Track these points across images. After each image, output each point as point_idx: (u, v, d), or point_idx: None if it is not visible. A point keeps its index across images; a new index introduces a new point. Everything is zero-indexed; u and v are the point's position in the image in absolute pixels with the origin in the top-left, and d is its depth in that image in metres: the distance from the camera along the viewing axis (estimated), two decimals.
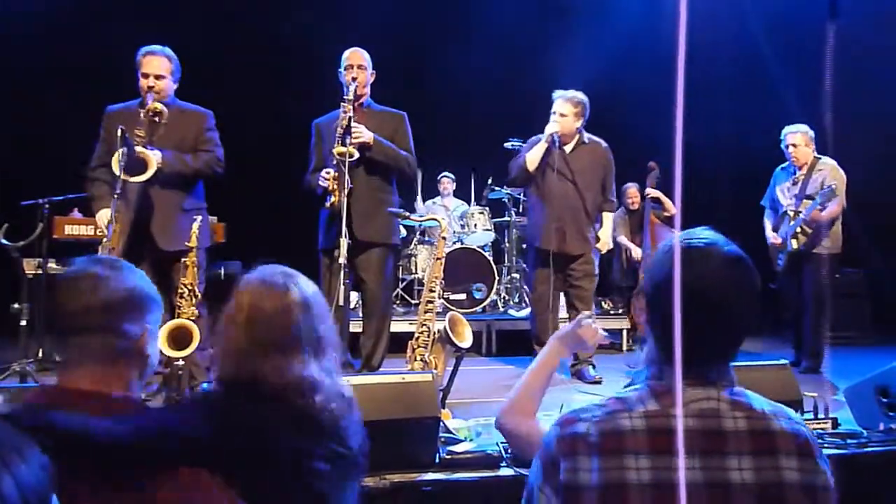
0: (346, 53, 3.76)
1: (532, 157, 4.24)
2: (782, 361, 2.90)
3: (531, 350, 5.72)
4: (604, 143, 4.40)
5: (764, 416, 1.13)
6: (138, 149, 3.31)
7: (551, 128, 4.21)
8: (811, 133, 4.52)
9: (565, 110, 4.25)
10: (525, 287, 6.51)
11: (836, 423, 2.65)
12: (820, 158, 4.50)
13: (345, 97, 3.58)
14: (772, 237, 4.65)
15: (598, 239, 4.42)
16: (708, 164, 6.34)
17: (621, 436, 1.09)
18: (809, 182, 4.46)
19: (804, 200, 4.44)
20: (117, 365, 1.33)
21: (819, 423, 2.62)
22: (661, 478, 1.06)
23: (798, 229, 4.42)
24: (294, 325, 1.40)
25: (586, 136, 4.35)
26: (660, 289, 1.17)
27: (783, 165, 4.69)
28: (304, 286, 1.48)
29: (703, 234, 1.20)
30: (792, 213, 4.48)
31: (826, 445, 2.48)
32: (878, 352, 4.87)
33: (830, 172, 4.40)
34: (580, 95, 4.29)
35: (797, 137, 4.49)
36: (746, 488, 1.06)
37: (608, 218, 4.49)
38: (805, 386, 3.61)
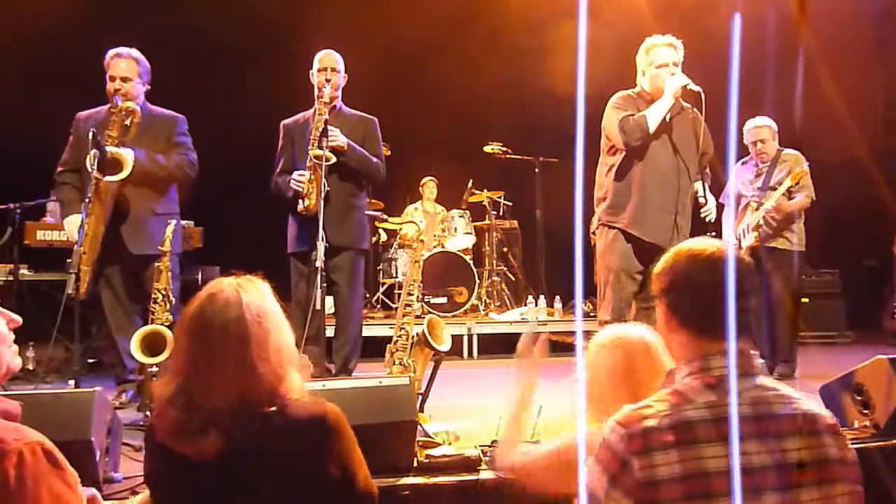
0: (320, 55, 3.71)
1: (655, 118, 3.25)
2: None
3: (512, 352, 5.62)
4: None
5: (794, 399, 1.23)
6: (111, 149, 3.28)
7: (680, 80, 3.23)
8: (775, 126, 4.31)
9: (678, 59, 3.34)
10: (506, 290, 6.51)
11: None
12: (783, 150, 4.31)
13: (320, 99, 3.56)
14: (730, 240, 4.29)
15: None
16: None
17: (691, 426, 1.16)
18: (774, 173, 4.25)
19: (768, 192, 4.23)
20: None
21: None
22: (733, 463, 1.14)
23: (760, 220, 4.17)
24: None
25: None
26: (689, 287, 1.28)
27: (743, 160, 4.44)
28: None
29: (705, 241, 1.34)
30: (755, 205, 4.25)
31: None
32: (853, 351, 4.91)
33: (795, 162, 4.21)
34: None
35: (765, 132, 4.28)
36: (803, 466, 1.16)
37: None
38: None
